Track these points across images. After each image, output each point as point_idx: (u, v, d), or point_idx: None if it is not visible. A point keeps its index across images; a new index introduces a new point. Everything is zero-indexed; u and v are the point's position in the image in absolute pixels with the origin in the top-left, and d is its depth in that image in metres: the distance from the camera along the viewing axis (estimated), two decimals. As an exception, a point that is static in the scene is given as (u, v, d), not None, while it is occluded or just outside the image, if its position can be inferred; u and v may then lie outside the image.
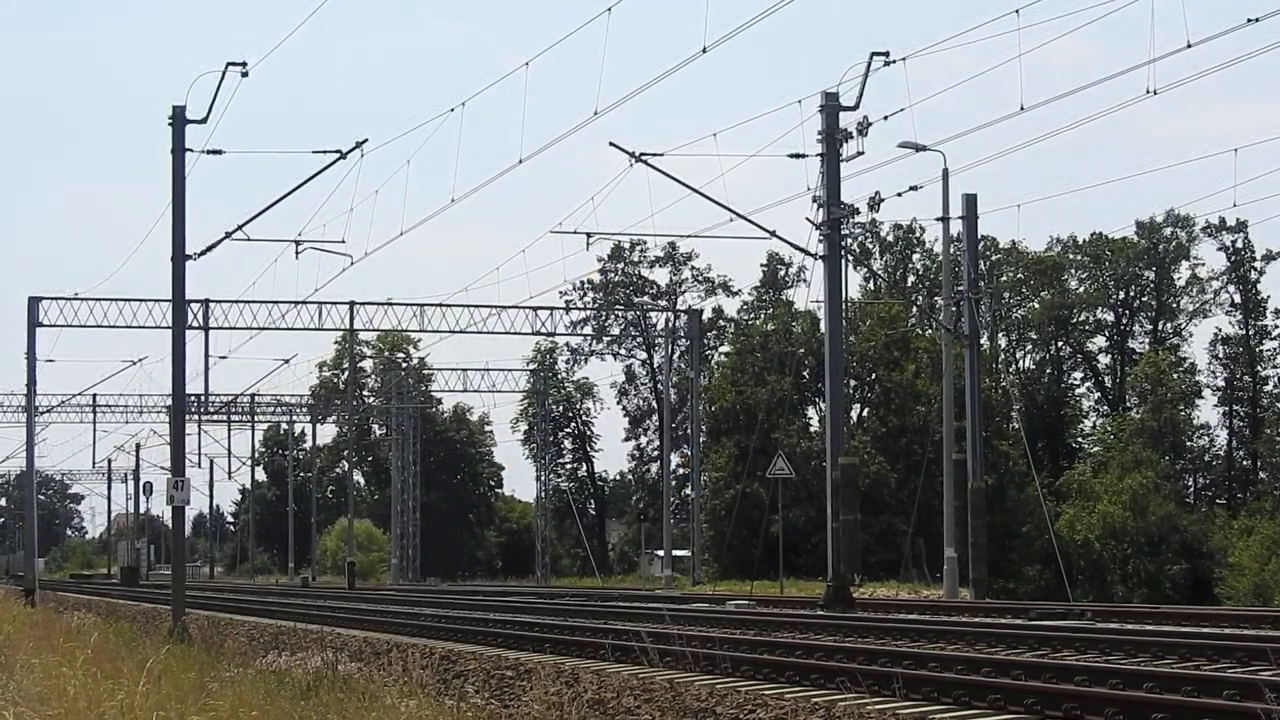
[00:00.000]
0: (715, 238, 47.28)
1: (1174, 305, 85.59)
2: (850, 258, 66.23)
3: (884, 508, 65.01)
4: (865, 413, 75.19)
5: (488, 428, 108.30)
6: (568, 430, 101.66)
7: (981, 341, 48.95)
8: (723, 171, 55.33)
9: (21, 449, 67.34)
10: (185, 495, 28.53)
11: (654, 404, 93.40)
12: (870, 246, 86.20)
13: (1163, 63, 47.02)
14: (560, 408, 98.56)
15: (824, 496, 35.08)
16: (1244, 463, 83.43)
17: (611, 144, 35.16)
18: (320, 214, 60.13)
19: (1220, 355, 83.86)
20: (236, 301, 60.06)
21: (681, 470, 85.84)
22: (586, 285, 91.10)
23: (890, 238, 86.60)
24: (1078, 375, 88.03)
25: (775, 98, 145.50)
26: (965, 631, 20.59)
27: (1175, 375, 79.64)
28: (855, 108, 33.82)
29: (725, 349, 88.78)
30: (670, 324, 74.89)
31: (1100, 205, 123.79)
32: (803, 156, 34.61)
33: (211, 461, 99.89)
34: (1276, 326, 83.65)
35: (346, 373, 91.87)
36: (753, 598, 38.42)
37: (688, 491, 77.95)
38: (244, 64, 27.14)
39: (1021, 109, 31.74)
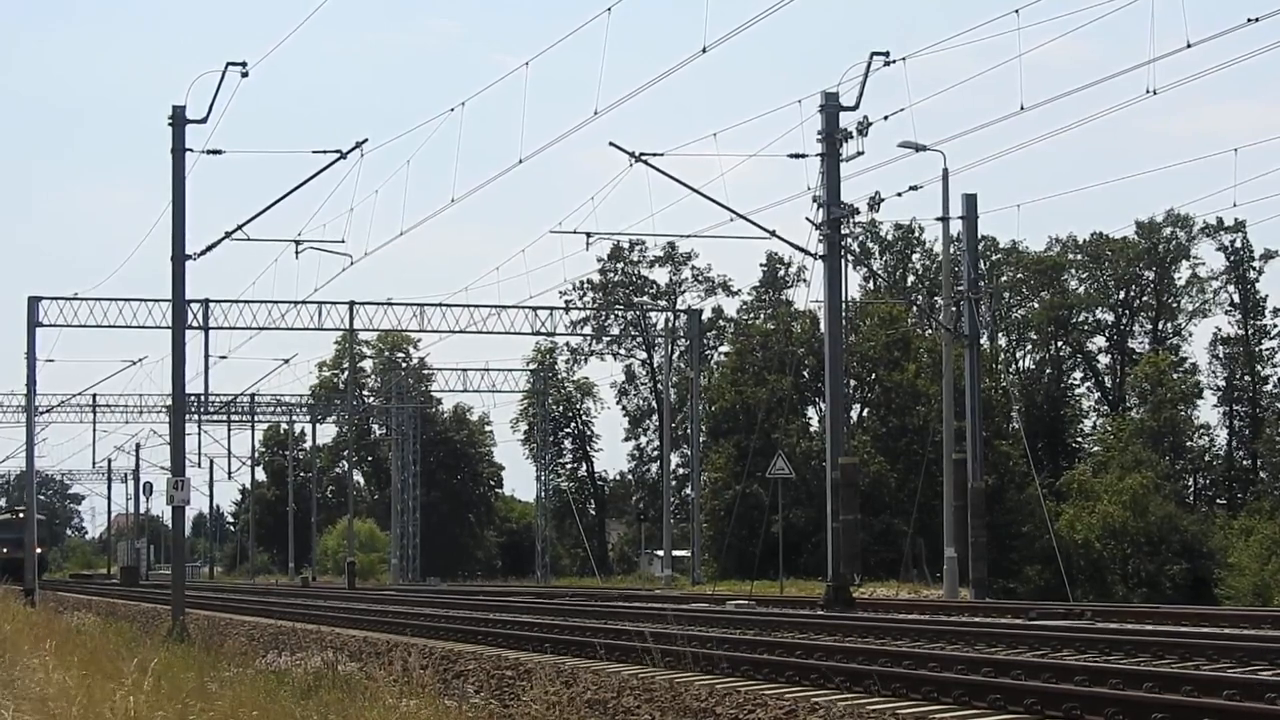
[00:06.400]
0: (715, 238, 47.28)
1: (1174, 305, 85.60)
2: (850, 258, 66.19)
3: (884, 508, 65.01)
4: (865, 413, 75.22)
5: (488, 428, 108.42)
6: (568, 430, 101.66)
7: (981, 341, 48.92)
8: (723, 171, 55.25)
9: (21, 449, 67.39)
10: (185, 495, 28.52)
11: (654, 404, 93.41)
12: (870, 246, 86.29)
13: (1163, 63, 46.91)
14: (560, 408, 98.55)
15: (824, 496, 35.07)
16: (1244, 463, 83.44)
17: (611, 144, 35.17)
18: (320, 214, 59.86)
19: (1220, 355, 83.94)
20: (236, 301, 60.02)
21: (681, 470, 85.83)
22: (586, 285, 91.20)
23: (890, 238, 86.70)
24: (1078, 375, 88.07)
25: (775, 98, 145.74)
26: (965, 631, 20.58)
27: (1175, 375, 79.68)
28: (855, 108, 33.81)
29: (725, 349, 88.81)
30: (670, 324, 74.88)
31: (1100, 205, 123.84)
32: (803, 156, 34.59)
33: (211, 461, 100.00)
34: (1276, 326, 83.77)
35: (346, 373, 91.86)
36: (753, 598, 38.40)
37: (688, 491, 77.94)
38: (244, 64, 27.12)
39: (1021, 109, 31.77)
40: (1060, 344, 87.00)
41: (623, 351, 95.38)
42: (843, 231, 36.10)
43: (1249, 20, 27.70)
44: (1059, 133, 60.61)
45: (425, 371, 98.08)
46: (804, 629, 23.58)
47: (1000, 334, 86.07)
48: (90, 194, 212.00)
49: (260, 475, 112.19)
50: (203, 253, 29.35)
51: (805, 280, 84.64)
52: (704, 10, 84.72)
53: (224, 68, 27.05)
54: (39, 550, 79.28)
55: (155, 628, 26.89)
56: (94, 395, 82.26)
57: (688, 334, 72.32)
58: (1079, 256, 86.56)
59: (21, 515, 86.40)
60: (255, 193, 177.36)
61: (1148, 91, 29.30)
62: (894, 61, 32.62)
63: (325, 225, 70.29)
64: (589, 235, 42.27)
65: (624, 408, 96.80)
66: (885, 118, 35.23)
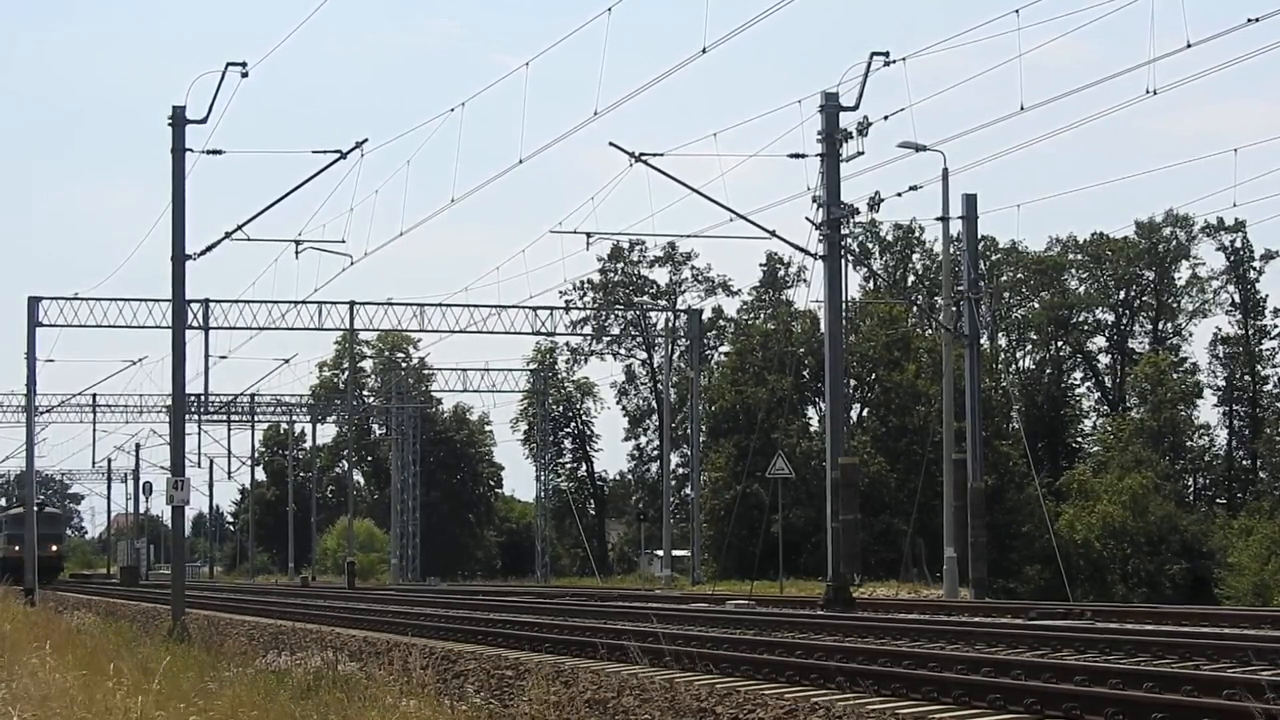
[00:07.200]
0: (715, 238, 47.32)
1: (1174, 305, 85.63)
2: (850, 258, 66.21)
3: (884, 508, 65.02)
4: (865, 413, 75.20)
5: (488, 428, 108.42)
6: (567, 430, 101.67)
7: (981, 341, 48.92)
8: (723, 171, 55.36)
9: (21, 449, 67.35)
10: (185, 495, 28.53)
11: (654, 404, 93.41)
12: (870, 246, 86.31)
13: (1163, 63, 47.00)
14: (560, 408, 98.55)
15: (824, 496, 35.06)
16: (1244, 463, 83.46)
17: (611, 144, 35.14)
18: (320, 214, 60.01)
19: (1220, 355, 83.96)
20: (236, 301, 60.04)
21: (681, 470, 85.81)
22: (586, 285, 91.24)
23: (890, 238, 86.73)
24: (1078, 375, 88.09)
25: (775, 98, 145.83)
26: (965, 631, 20.58)
27: (1175, 375, 79.70)
28: (855, 108, 33.77)
29: (725, 349, 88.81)
30: (670, 324, 74.86)
31: (1100, 205, 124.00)
32: (803, 156, 34.58)
33: (211, 461, 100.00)
34: (1275, 326, 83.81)
35: (346, 373, 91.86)
36: (752, 598, 38.39)
37: (688, 491, 77.93)
38: (244, 64, 27.14)
39: (1021, 109, 31.76)
40: (1060, 344, 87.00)
41: (623, 351, 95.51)
42: (843, 231, 36.08)
43: (1249, 20, 27.71)
44: (1059, 133, 60.73)
45: (425, 371, 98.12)
46: (804, 629, 23.57)
47: (1000, 334, 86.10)
48: (90, 194, 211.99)
49: (260, 475, 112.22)
50: (203, 253, 29.38)
51: (805, 280, 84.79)
52: (704, 10, 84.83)
53: (224, 68, 27.12)
54: (55, 549, 79.21)
55: (155, 628, 26.90)
56: (94, 395, 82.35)
57: (688, 334, 72.31)
58: (1079, 256, 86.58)
59: (47, 509, 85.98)
60: (255, 193, 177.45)
61: (1148, 91, 29.32)
62: (894, 61, 32.61)
63: (325, 225, 70.49)
64: (589, 235, 42.28)
65: (624, 408, 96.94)
66: (885, 118, 35.24)
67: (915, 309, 73.99)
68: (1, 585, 45.24)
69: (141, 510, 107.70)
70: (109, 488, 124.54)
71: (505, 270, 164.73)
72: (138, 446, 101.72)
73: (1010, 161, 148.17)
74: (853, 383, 72.78)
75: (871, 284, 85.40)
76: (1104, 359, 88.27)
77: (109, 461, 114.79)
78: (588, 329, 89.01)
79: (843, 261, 36.84)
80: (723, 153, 46.38)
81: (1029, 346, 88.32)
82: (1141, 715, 11.79)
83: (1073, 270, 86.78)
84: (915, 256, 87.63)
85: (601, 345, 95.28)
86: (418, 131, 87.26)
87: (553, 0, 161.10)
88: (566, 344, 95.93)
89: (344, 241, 40.06)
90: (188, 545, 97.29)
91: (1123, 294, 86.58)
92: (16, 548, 69.43)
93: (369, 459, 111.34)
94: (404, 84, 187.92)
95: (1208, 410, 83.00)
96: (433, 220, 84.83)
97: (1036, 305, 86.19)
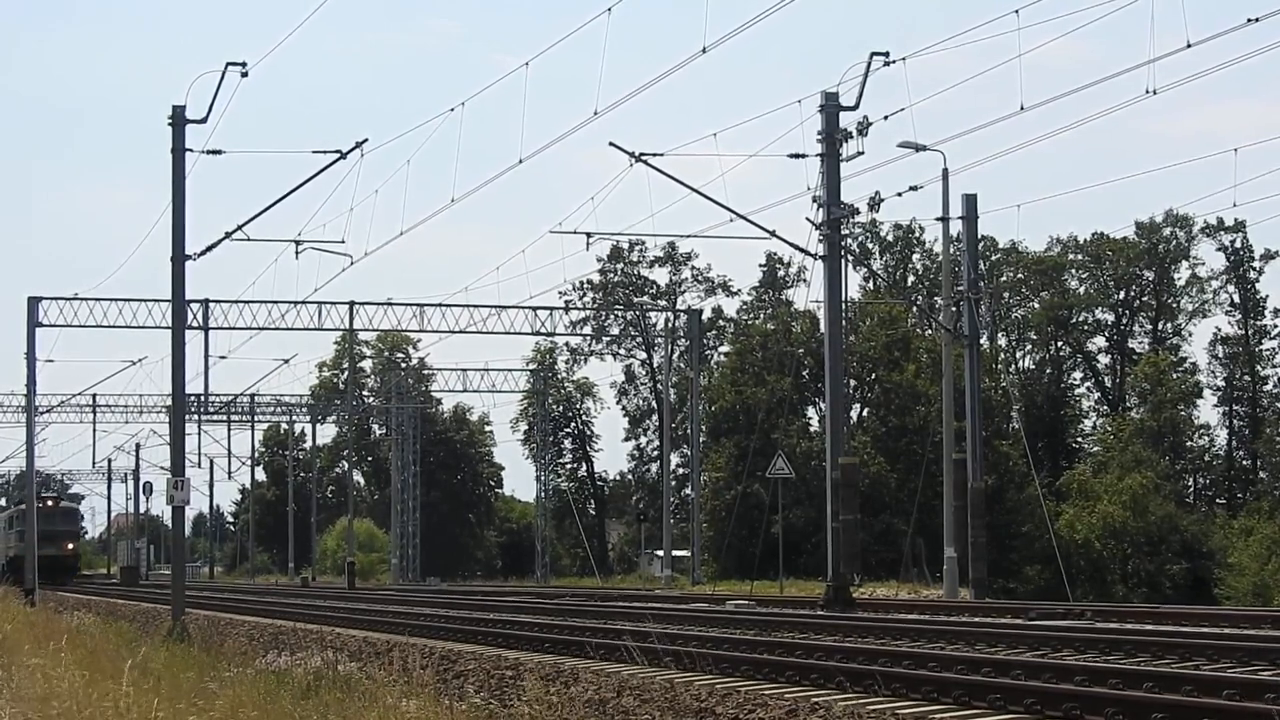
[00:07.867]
0: (715, 238, 47.26)
1: (1174, 305, 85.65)
2: (850, 258, 66.18)
3: (884, 508, 65.02)
4: (865, 413, 75.21)
5: (487, 428, 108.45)
6: (567, 430, 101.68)
7: (981, 342, 48.92)
8: (723, 171, 55.36)
9: (21, 449, 67.35)
10: (185, 495, 28.54)
11: (654, 404, 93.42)
12: (870, 246, 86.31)
13: (1163, 63, 46.92)
14: (560, 408, 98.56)
15: (824, 496, 35.05)
16: (1244, 463, 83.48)
17: (611, 144, 35.12)
18: (320, 214, 59.90)
19: (1220, 355, 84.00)
20: (236, 301, 59.99)
21: (681, 470, 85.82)
22: (586, 285, 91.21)
23: (890, 238, 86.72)
24: (1078, 375, 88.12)
25: (775, 98, 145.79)
26: (965, 631, 20.57)
27: (1175, 375, 79.73)
28: (855, 108, 33.75)
29: (725, 349, 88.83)
30: (670, 324, 74.86)
31: (1100, 205, 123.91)
32: (803, 156, 34.56)
33: (211, 461, 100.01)
34: (1275, 326, 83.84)
35: (346, 373, 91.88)
36: (753, 598, 38.39)
37: (688, 491, 77.93)
38: (244, 64, 27.15)
39: (1021, 109, 31.76)
40: (1060, 344, 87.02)
41: (622, 351, 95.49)
42: (843, 231, 36.07)
43: (1249, 20, 27.71)
44: (1059, 133, 60.61)
45: (425, 371, 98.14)
46: (804, 629, 23.56)
47: (1000, 334, 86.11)
48: (90, 194, 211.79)
49: (260, 475, 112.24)
50: (203, 253, 29.39)
51: (805, 280, 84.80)
52: (704, 10, 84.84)
53: (224, 68, 27.12)
54: (70, 546, 79.08)
55: (155, 628, 26.90)
56: (94, 395, 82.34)
57: (688, 334, 72.36)
58: (1079, 256, 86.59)
59: (63, 504, 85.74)
60: (255, 193, 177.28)
61: (1148, 91, 29.31)
62: (894, 61, 32.59)
63: (325, 225, 70.34)
64: (589, 235, 42.25)
65: (624, 408, 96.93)
66: (885, 118, 35.26)
67: (915, 309, 73.97)
68: (7, 585, 45.19)
69: (141, 510, 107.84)
70: (109, 488, 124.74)
71: (505, 270, 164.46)
72: (138, 446, 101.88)
73: (1010, 161, 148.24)
74: (853, 383, 72.78)
75: (871, 284, 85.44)
76: (1104, 359, 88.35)
77: (109, 462, 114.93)
78: (587, 329, 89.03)
79: (843, 261, 36.83)
80: (723, 153, 46.32)
81: (1029, 346, 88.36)
82: (1141, 715, 11.78)
83: (1073, 270, 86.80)
84: (915, 257, 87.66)
85: (601, 345, 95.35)
86: (418, 131, 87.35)
87: (553, 0, 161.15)
88: (566, 344, 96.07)
89: (344, 241, 39.97)
90: (188, 545, 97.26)
91: (1123, 294, 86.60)
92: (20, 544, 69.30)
93: (369, 459, 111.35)
94: (404, 84, 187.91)
95: (1208, 410, 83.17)
96: (433, 220, 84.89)
97: (1036, 305, 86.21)
